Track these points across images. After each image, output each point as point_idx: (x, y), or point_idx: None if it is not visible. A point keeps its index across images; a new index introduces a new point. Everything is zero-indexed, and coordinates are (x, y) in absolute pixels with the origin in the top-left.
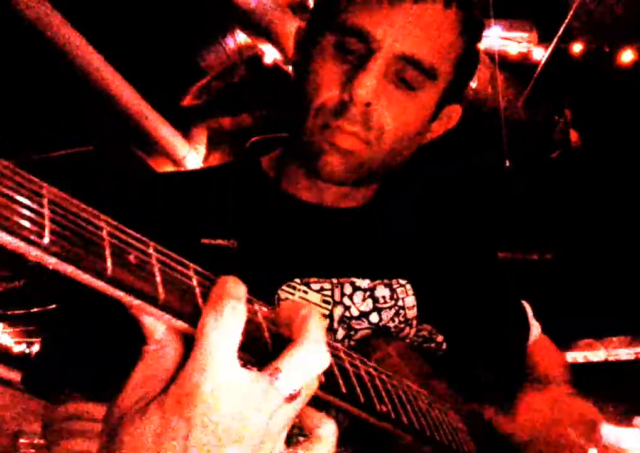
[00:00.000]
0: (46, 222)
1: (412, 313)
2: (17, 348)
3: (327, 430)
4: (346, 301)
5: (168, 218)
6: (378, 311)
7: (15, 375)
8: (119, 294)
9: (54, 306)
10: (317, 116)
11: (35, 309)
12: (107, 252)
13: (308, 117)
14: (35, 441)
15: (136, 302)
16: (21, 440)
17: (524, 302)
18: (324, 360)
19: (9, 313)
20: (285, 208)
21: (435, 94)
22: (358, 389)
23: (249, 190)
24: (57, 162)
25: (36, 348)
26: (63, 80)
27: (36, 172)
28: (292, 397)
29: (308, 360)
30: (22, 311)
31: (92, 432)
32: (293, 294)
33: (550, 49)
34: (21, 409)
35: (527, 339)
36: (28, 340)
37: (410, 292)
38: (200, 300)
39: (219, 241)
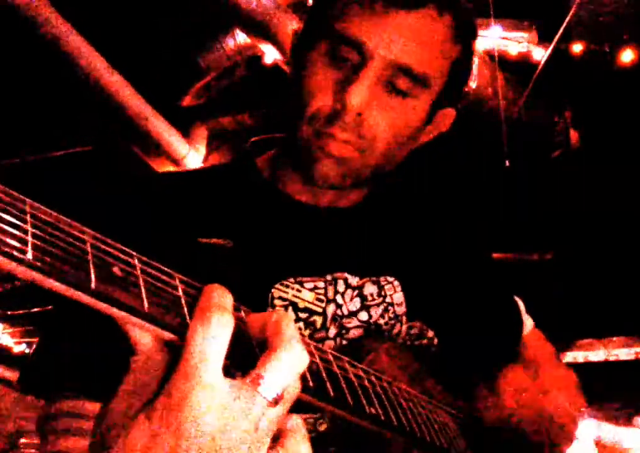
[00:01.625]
0: (29, 238)
1: (401, 309)
2: (17, 348)
3: (294, 422)
4: (339, 298)
5: (165, 216)
6: (367, 308)
7: (15, 375)
8: (104, 306)
9: (51, 306)
10: (310, 123)
11: (35, 309)
12: (91, 265)
13: (302, 123)
14: (35, 442)
15: (122, 314)
16: (21, 440)
17: (516, 298)
18: (302, 359)
19: (9, 313)
20: (280, 208)
21: (428, 100)
22: (346, 392)
23: (245, 190)
24: (57, 162)
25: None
26: (63, 80)
27: (36, 172)
28: (275, 401)
29: (286, 362)
30: (22, 311)
31: (87, 430)
32: (286, 292)
33: (550, 49)
34: (21, 409)
35: (520, 333)
36: (28, 340)
37: (399, 288)
38: (186, 310)
39: (215, 240)
